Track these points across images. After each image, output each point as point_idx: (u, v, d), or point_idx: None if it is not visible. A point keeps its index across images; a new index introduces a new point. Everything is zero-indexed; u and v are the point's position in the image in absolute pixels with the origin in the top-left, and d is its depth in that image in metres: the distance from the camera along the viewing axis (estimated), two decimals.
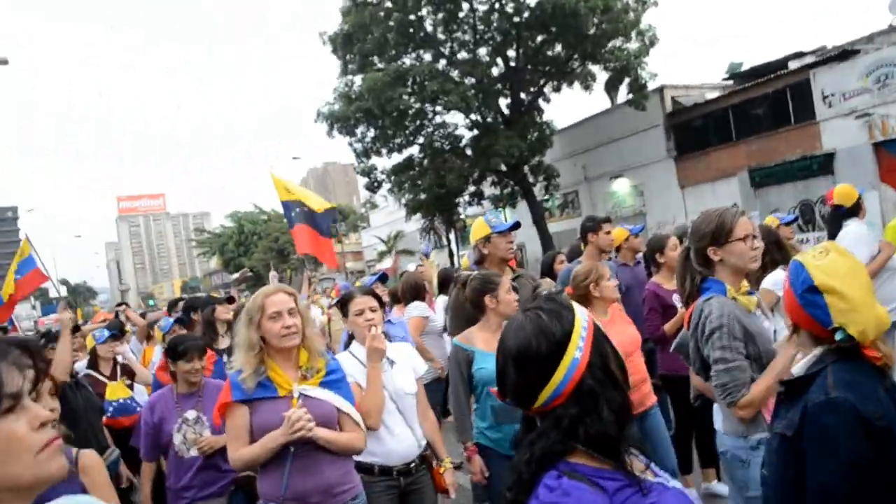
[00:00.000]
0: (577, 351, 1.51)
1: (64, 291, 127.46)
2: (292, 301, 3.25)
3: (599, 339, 1.57)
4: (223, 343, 6.34)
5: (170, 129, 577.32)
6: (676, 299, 5.28)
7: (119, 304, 13.43)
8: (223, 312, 6.79)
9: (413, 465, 3.74)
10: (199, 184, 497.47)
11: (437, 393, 7.40)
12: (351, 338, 3.97)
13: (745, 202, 24.17)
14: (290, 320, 3.20)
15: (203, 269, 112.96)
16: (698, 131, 27.15)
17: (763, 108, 24.63)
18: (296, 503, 3.14)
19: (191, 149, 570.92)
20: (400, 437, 3.70)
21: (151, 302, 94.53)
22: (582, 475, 1.43)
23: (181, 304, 8.90)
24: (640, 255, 6.57)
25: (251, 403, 3.17)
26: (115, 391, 6.30)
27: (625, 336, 4.56)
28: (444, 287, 8.20)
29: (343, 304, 4.03)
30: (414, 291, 7.67)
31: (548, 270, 7.52)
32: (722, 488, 5.45)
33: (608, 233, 6.14)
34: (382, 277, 7.13)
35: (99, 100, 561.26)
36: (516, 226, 4.75)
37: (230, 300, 7.60)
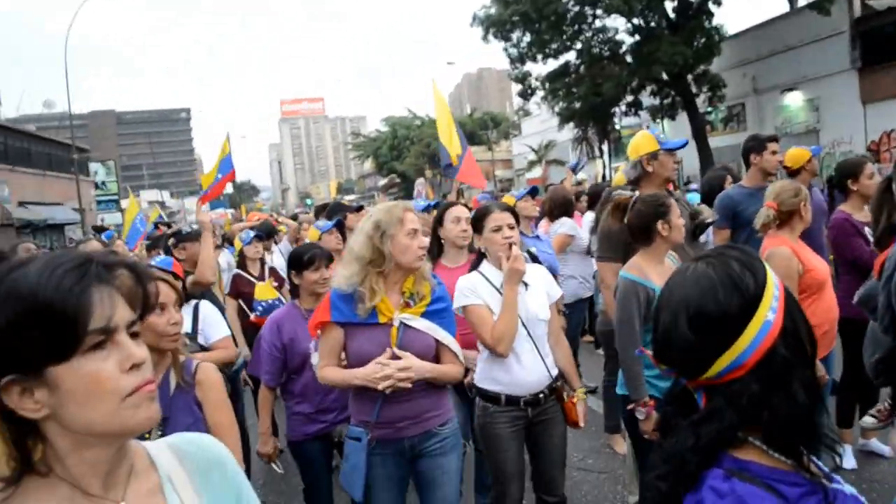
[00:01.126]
0: (770, 312, 1.22)
1: (230, 189, 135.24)
2: (420, 222, 3.17)
3: (791, 302, 1.27)
4: None
5: (331, 33, 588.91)
6: (870, 233, 4.75)
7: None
8: (354, 220, 6.65)
9: (542, 395, 3.50)
10: (357, 88, 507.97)
11: (580, 313, 7.22)
12: (481, 256, 3.70)
13: None
14: (425, 240, 3.09)
15: (358, 172, 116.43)
16: (889, 39, 24.46)
17: None
18: (385, 426, 3.07)
19: (351, 53, 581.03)
20: (529, 367, 3.46)
21: (309, 201, 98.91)
22: (755, 476, 1.17)
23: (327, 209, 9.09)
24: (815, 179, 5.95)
25: (348, 327, 3.07)
26: (264, 291, 6.41)
27: (822, 262, 4.15)
28: (593, 204, 7.83)
29: (478, 219, 3.71)
30: (563, 207, 7.27)
31: (710, 193, 6.73)
32: (880, 447, 5.02)
33: (774, 153, 5.53)
34: (533, 191, 6.74)
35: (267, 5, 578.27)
36: (685, 145, 4.30)
37: (360, 209, 7.57)
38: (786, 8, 28.79)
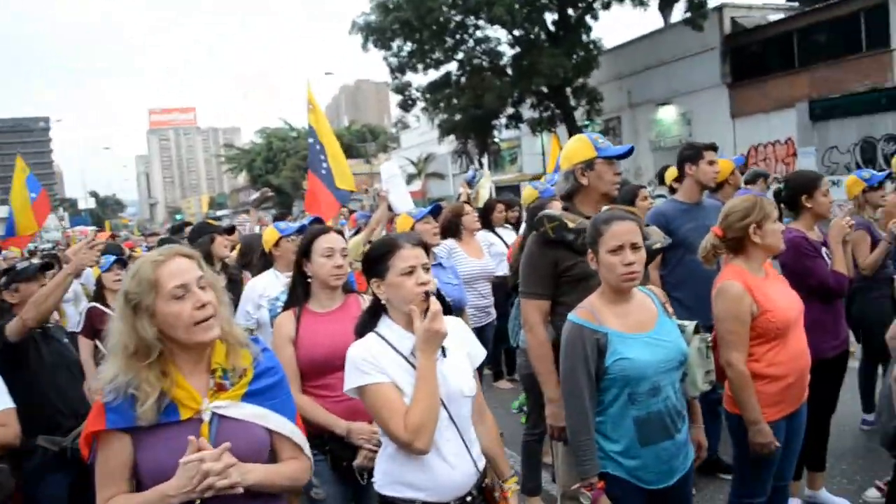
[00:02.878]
0: None
1: (92, 203, 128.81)
2: (197, 266, 2.19)
3: None
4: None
5: (200, 39, 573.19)
6: (826, 254, 4.21)
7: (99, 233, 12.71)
8: (221, 246, 5.91)
9: (470, 498, 2.57)
10: (231, 98, 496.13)
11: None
12: (377, 310, 2.65)
13: (802, 136, 22.70)
14: (203, 296, 2.12)
15: (231, 185, 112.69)
16: (757, 56, 25.42)
17: (831, 33, 22.85)
18: None
19: (221, 60, 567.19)
20: (454, 462, 2.52)
21: (179, 216, 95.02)
22: None
23: (187, 229, 7.88)
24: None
25: (137, 434, 2.11)
26: None
27: (791, 299, 3.43)
28: (486, 222, 7.18)
29: (377, 258, 2.62)
30: (453, 226, 6.45)
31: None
32: (828, 498, 4.47)
33: (711, 163, 4.85)
34: (435, 210, 5.74)
35: (130, 11, 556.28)
36: (630, 152, 3.53)
37: (230, 231, 6.60)
38: (661, 23, 29.47)
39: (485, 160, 37.42)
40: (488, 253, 6.65)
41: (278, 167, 65.67)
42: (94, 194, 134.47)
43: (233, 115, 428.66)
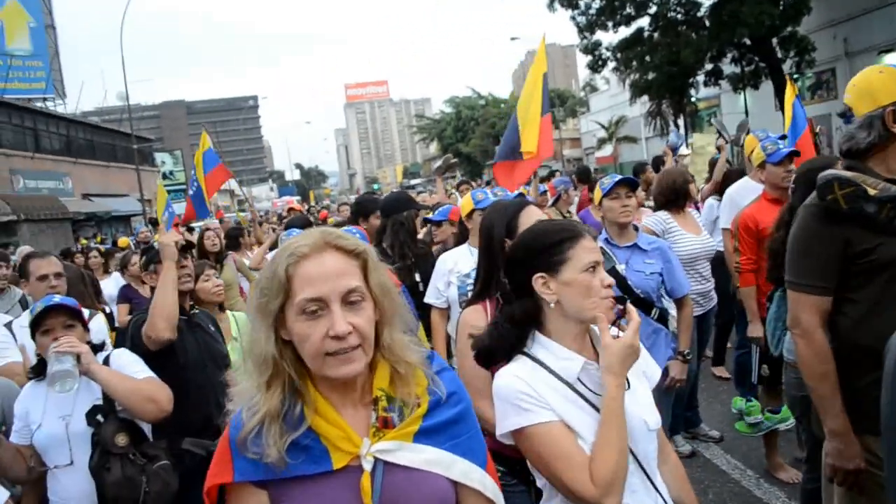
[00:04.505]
0: None
1: (297, 175, 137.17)
2: (358, 270, 1.58)
3: None
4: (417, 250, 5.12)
5: (389, 13, 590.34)
6: None
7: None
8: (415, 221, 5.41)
9: None
10: (420, 69, 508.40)
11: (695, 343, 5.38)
12: (527, 319, 2.07)
13: None
14: (342, 324, 1.50)
15: (423, 155, 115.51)
16: None
17: None
18: None
19: (413, 33, 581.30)
20: None
21: (376, 186, 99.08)
22: None
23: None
24: None
25: (275, 486, 1.57)
26: None
27: None
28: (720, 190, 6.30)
29: (535, 251, 2.05)
30: (674, 196, 5.47)
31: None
32: None
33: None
34: (632, 181, 4.67)
35: None
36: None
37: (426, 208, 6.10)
38: None
39: (680, 121, 35.53)
40: (712, 225, 5.95)
41: (468, 135, 66.32)
42: (298, 166, 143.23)
43: (423, 86, 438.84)
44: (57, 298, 3.24)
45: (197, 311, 3.99)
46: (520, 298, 2.05)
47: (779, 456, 4.92)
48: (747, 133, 8.12)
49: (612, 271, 3.67)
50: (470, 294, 3.09)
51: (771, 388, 4.82)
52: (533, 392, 1.91)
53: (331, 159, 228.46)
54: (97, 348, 3.20)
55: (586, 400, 1.92)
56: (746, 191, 5.60)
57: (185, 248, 3.96)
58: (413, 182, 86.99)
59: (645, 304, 4.11)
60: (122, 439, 3.00)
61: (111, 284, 8.17)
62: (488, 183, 13.20)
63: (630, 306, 1.96)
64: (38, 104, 37.19)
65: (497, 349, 2.04)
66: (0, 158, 29.37)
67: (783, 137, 5.84)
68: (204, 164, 9.97)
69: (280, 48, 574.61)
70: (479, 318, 2.74)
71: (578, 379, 1.95)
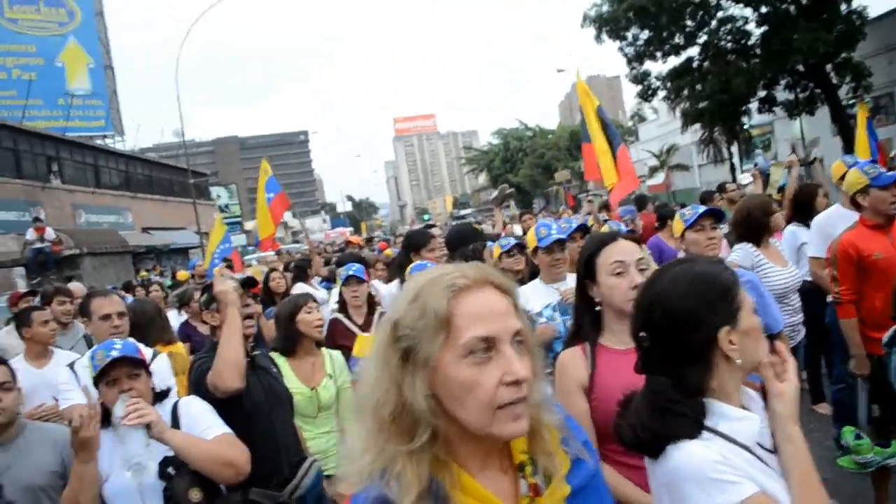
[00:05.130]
0: None
1: (349, 207, 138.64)
2: (513, 310, 1.38)
3: None
4: None
5: (437, 50, 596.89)
6: None
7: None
8: (488, 255, 5.09)
9: None
10: (466, 102, 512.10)
11: None
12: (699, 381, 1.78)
13: None
14: (519, 366, 1.30)
15: (472, 186, 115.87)
16: None
17: None
18: None
19: (459, 68, 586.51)
20: None
21: (426, 216, 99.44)
22: None
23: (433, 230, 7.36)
24: None
25: None
26: (367, 345, 4.79)
27: None
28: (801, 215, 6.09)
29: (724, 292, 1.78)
30: (761, 230, 5.11)
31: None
32: None
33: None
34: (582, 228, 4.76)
35: (374, 29, 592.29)
36: None
37: (494, 239, 5.76)
38: None
39: (734, 148, 35.05)
40: (796, 254, 5.70)
41: (516, 166, 66.53)
42: (350, 198, 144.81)
43: (469, 119, 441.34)
44: (118, 347, 2.98)
45: (258, 352, 3.82)
46: (690, 363, 1.72)
47: (889, 500, 4.42)
48: (810, 158, 7.99)
49: None
50: None
51: (882, 428, 4.34)
52: (726, 461, 1.63)
53: (381, 191, 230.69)
54: (162, 395, 3.09)
55: (763, 461, 1.70)
56: (837, 219, 5.29)
57: (246, 285, 3.76)
58: (463, 212, 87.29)
59: None
60: (196, 495, 2.82)
61: (172, 319, 7.88)
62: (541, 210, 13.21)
63: (779, 344, 1.79)
64: (98, 141, 38.46)
65: (678, 430, 1.69)
66: (63, 194, 30.28)
67: (874, 162, 5.66)
68: (266, 190, 10.07)
69: (330, 84, 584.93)
70: (577, 362, 2.55)
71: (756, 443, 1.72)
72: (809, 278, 5.66)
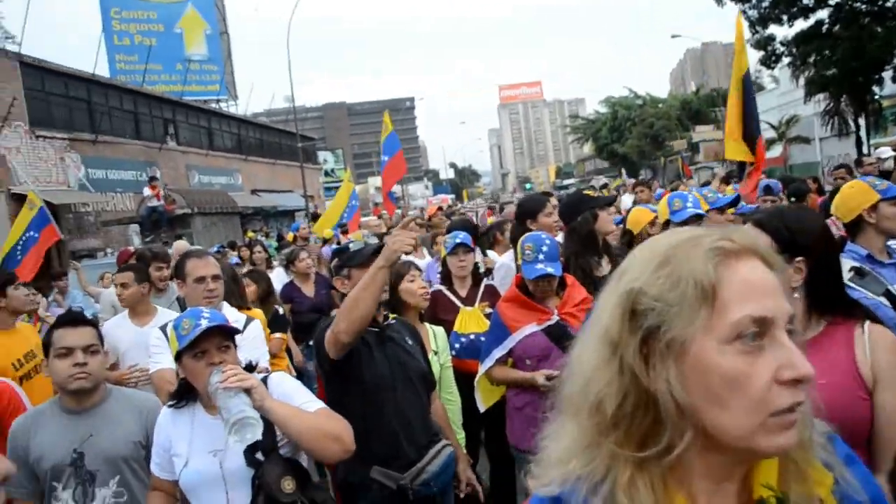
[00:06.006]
0: None
1: (451, 174, 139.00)
2: (780, 288, 1.04)
3: None
4: (604, 269, 4.23)
5: (543, 15, 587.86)
6: None
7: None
8: (607, 222, 4.51)
9: None
10: (574, 70, 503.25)
11: None
12: None
13: None
14: (800, 359, 0.99)
15: (576, 155, 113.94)
16: None
17: None
18: None
19: (567, 33, 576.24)
20: None
21: (528, 186, 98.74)
22: None
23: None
24: None
25: None
26: (469, 320, 4.65)
27: None
28: None
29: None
30: None
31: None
32: None
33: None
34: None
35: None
36: None
37: (611, 202, 5.08)
38: None
39: (861, 121, 32.80)
40: None
41: (623, 135, 64.64)
42: (453, 165, 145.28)
43: (577, 87, 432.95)
44: (206, 315, 2.69)
45: (393, 321, 3.54)
46: None
47: None
48: None
49: (888, 295, 2.90)
50: None
51: None
52: None
53: (484, 159, 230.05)
54: (249, 369, 2.71)
55: None
56: None
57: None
58: (566, 182, 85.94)
59: None
60: (289, 485, 2.51)
61: (274, 280, 7.68)
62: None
63: None
64: (213, 105, 39.62)
65: None
66: (178, 155, 31.37)
67: None
68: (384, 148, 9.79)
69: (437, 51, 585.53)
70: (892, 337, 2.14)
71: None
72: None
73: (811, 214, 2.57)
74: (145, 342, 4.10)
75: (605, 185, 21.45)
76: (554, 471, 1.09)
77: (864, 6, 24.06)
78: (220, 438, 2.55)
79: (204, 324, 2.60)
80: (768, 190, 6.97)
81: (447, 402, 3.96)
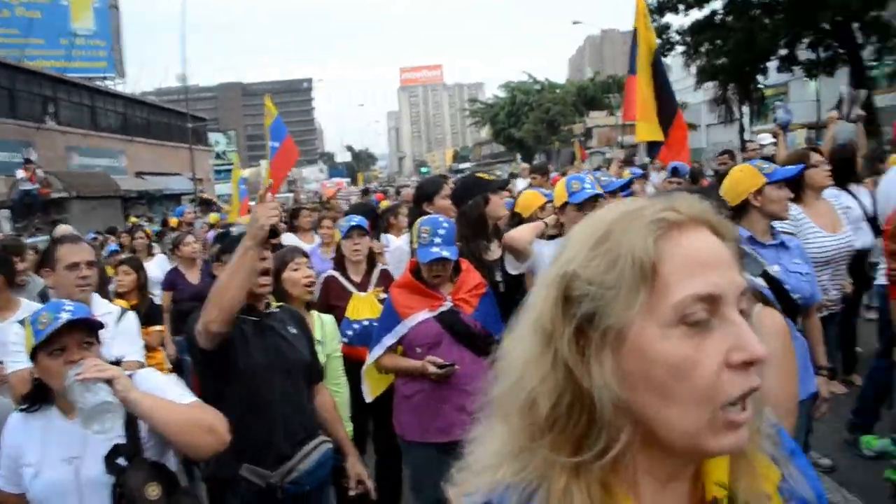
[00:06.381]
0: None
1: (348, 157, 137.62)
2: (733, 259, 0.92)
3: None
4: (494, 253, 4.27)
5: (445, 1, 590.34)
6: None
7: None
8: (499, 206, 4.53)
9: None
10: (474, 54, 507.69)
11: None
12: None
13: None
14: (755, 343, 0.87)
15: (474, 139, 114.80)
16: None
17: None
18: None
19: (465, 17, 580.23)
20: None
21: (424, 170, 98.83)
22: None
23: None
24: None
25: None
26: (362, 306, 4.50)
27: None
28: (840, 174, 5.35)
29: None
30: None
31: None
32: None
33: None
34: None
35: None
36: None
37: (504, 186, 5.26)
38: None
39: (745, 108, 34.11)
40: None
41: (521, 120, 65.42)
42: (349, 148, 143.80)
43: (477, 72, 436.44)
44: (69, 308, 2.39)
45: (276, 309, 3.34)
46: None
47: None
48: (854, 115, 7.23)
49: (765, 276, 2.94)
50: None
51: None
52: None
53: (381, 142, 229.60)
54: (116, 364, 2.39)
55: None
56: None
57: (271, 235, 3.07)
58: (463, 166, 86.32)
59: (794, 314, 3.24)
60: (154, 491, 2.27)
61: (155, 267, 7.49)
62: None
63: None
64: (98, 83, 37.50)
65: None
66: (57, 135, 29.58)
67: None
68: (271, 134, 9.24)
69: (337, 32, 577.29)
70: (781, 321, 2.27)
71: None
72: (859, 246, 5.11)
73: (713, 196, 2.67)
74: (3, 339, 3.67)
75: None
76: (480, 478, 0.98)
77: None
78: (77, 444, 2.33)
79: (64, 317, 2.32)
80: (675, 172, 7.04)
81: (335, 394, 3.77)
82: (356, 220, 4.76)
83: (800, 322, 3.42)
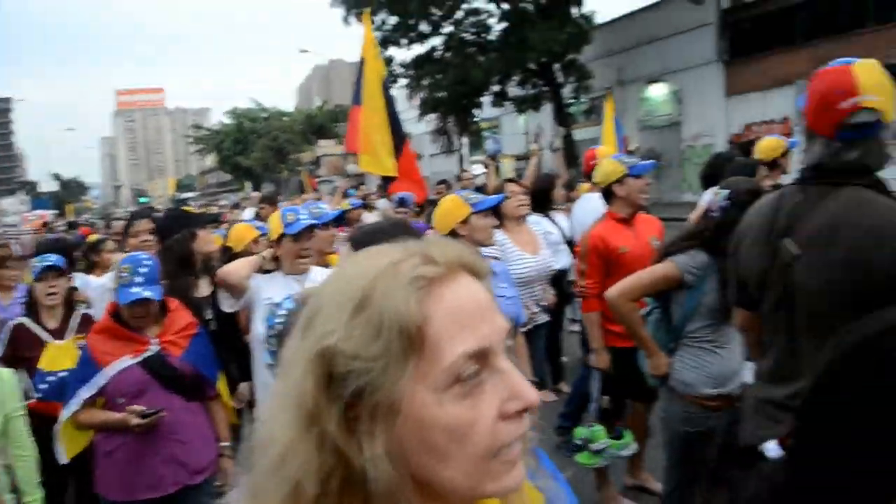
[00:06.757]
0: None
1: (55, 186, 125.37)
2: (484, 286, 0.94)
3: None
4: (203, 290, 4.16)
5: (169, 20, 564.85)
6: None
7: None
8: (206, 242, 4.45)
9: None
10: (200, 79, 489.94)
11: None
12: None
13: (799, 114, 21.80)
14: (526, 387, 0.88)
15: (199, 167, 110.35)
16: (756, 32, 24.40)
17: (836, 6, 22.00)
18: None
19: (191, 41, 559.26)
20: None
21: (143, 199, 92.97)
22: None
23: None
24: None
25: None
26: (61, 356, 4.07)
27: None
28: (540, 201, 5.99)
29: None
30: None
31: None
32: None
33: None
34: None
35: None
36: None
37: (215, 220, 5.23)
38: None
39: (464, 139, 36.32)
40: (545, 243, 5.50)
41: (248, 148, 64.08)
42: (56, 177, 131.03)
43: (203, 97, 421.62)
44: None
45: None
46: None
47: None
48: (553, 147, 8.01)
49: None
50: (281, 329, 2.56)
51: (608, 421, 4.46)
52: None
53: (94, 170, 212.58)
54: None
55: None
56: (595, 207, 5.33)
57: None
58: (185, 196, 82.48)
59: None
60: None
61: None
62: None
63: None
64: None
65: None
66: None
67: (630, 153, 5.67)
68: None
69: (42, 49, 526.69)
70: None
71: None
72: (559, 266, 5.69)
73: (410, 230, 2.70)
74: None
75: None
76: None
77: (470, 37, 26.64)
78: None
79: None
80: (402, 202, 7.15)
81: (19, 459, 3.30)
82: (52, 259, 4.27)
83: None
